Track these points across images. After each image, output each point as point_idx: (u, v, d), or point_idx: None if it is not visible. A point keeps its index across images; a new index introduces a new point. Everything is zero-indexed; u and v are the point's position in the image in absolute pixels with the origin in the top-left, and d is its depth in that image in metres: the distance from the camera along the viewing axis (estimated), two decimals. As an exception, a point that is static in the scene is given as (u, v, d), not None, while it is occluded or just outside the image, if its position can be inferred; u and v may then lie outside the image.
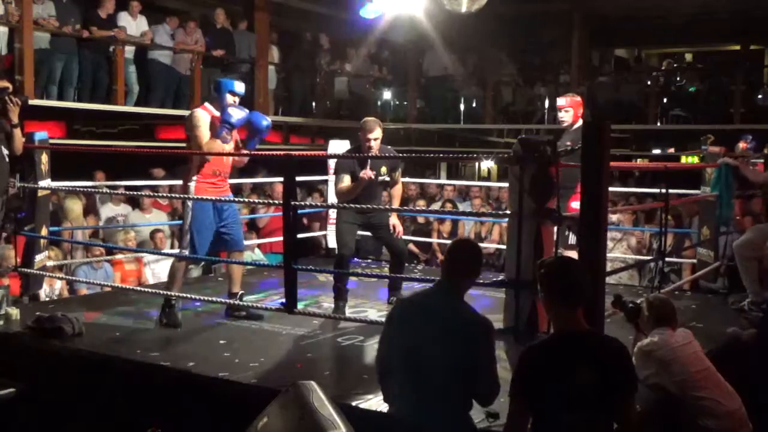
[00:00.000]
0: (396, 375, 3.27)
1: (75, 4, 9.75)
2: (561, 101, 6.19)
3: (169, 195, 8.20)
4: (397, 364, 3.26)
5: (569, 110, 6.07)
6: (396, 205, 5.95)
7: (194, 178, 5.29)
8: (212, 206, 5.33)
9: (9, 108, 5.23)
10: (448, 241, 8.51)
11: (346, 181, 5.57)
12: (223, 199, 5.35)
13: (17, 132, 5.31)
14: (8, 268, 5.69)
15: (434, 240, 8.65)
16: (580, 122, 6.00)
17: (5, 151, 5.28)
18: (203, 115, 5.29)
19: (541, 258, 4.13)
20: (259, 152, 5.99)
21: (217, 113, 5.32)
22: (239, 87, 5.38)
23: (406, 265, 8.29)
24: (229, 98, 5.32)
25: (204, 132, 5.24)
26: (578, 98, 6.22)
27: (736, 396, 4.01)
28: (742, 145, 7.44)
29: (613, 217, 7.86)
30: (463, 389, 3.21)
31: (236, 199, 5.75)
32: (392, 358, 3.29)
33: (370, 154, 5.53)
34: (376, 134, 5.49)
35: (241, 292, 5.53)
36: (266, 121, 5.41)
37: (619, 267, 6.58)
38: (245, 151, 5.50)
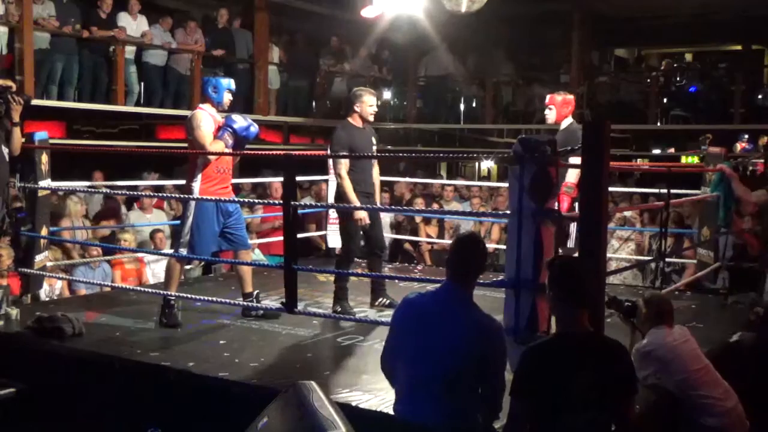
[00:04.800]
0: (403, 377, 3.25)
1: (75, 4, 9.75)
2: (546, 98, 6.18)
3: (171, 196, 8.16)
4: (404, 366, 3.24)
5: (552, 108, 6.01)
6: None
7: (197, 178, 5.26)
8: (216, 207, 5.31)
9: (11, 107, 5.23)
10: (437, 241, 8.55)
11: (345, 159, 5.63)
12: (222, 199, 5.34)
13: (16, 131, 5.30)
14: (9, 267, 5.68)
15: (423, 239, 8.68)
16: (567, 121, 5.98)
17: (5, 150, 5.27)
18: (204, 116, 5.28)
19: (541, 258, 4.14)
20: (259, 152, 5.98)
21: (215, 114, 5.33)
22: (233, 84, 5.45)
23: (406, 265, 8.31)
24: (227, 96, 5.34)
25: (206, 132, 5.23)
26: (560, 97, 6.06)
27: (734, 394, 4.02)
28: (740, 145, 7.44)
29: (628, 214, 7.84)
30: (473, 392, 3.19)
31: (236, 199, 5.74)
32: (398, 360, 3.28)
33: (359, 132, 5.66)
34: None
35: (257, 292, 5.52)
36: (255, 128, 5.44)
37: (623, 267, 6.56)
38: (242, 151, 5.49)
